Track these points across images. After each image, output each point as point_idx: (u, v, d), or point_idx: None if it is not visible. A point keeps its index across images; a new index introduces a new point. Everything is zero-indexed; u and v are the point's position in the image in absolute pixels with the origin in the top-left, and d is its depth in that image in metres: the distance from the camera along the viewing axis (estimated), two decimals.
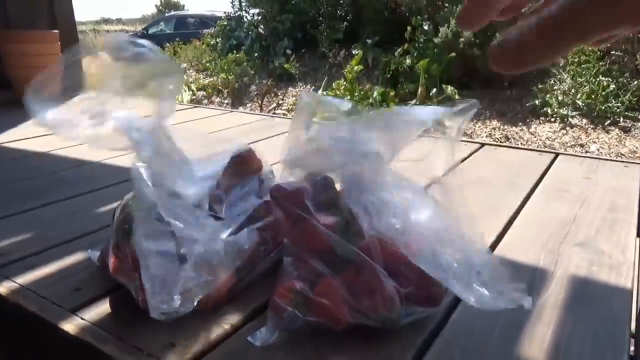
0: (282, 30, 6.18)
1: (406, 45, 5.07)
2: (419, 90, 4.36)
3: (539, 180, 0.99)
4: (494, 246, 0.70)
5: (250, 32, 6.31)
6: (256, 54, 6.06)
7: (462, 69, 4.64)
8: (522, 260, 0.66)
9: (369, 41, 5.49)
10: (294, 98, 5.13)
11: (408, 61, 5.11)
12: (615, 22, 0.21)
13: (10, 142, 1.30)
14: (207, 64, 6.19)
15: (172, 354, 0.48)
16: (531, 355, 0.48)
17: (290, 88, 5.31)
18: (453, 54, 4.40)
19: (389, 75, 5.11)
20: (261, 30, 6.33)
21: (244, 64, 5.82)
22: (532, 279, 0.62)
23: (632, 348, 0.51)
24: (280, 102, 4.95)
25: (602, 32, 0.22)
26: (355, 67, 4.69)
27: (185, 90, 5.59)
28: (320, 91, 4.85)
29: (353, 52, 5.35)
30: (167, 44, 6.88)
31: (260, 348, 0.49)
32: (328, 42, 5.75)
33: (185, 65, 6.46)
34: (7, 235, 0.74)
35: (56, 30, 1.82)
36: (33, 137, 1.34)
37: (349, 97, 4.49)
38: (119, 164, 1.11)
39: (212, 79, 5.95)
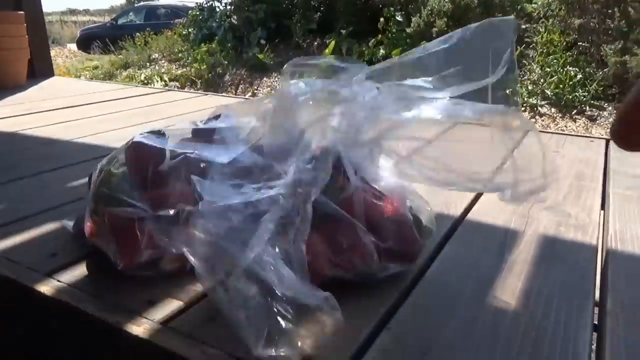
0: (256, 20, 6.11)
1: (380, 35, 5.10)
2: None
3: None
4: (468, 210, 0.72)
5: (223, 22, 6.22)
6: (229, 44, 5.99)
7: None
8: (494, 222, 0.68)
9: (343, 32, 5.49)
10: (268, 88, 5.10)
11: (382, 51, 5.14)
12: None
13: None
14: (180, 55, 6.09)
15: (152, 310, 0.48)
16: (504, 301, 0.50)
17: (264, 78, 5.28)
18: (424, 42, 4.45)
19: None
20: (234, 21, 6.25)
21: (217, 54, 5.75)
22: (504, 238, 0.64)
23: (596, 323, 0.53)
24: (255, 91, 4.92)
25: None
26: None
27: (157, 81, 5.49)
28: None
29: (327, 42, 5.36)
30: (138, 34, 6.72)
31: None
32: (302, 32, 5.73)
33: (156, 55, 6.33)
34: None
35: (22, 12, 1.76)
36: (2, 118, 1.31)
37: None
38: (86, 142, 1.09)
39: (184, 69, 5.85)
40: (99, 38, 8.24)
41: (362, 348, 0.43)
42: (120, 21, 9.63)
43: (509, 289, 0.52)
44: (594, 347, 0.45)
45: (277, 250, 0.42)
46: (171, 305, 0.49)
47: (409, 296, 0.50)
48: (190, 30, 6.43)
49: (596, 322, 0.49)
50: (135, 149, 0.56)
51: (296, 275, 0.41)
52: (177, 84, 5.50)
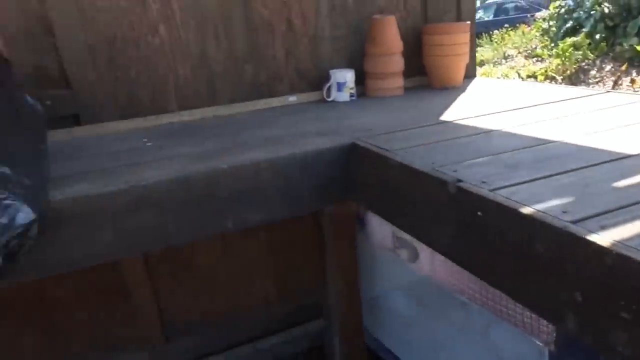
0: (636, 6, 5.34)
1: None
2: None
3: None
4: None
5: (593, 12, 5.68)
6: (599, 36, 5.43)
7: None
8: None
9: None
10: None
11: None
12: None
13: (462, 119, 1.51)
14: (538, 50, 5.90)
15: None
16: None
17: None
18: None
19: None
20: (607, 9, 5.62)
21: (584, 47, 5.30)
22: None
23: None
24: (636, 90, 4.32)
25: None
26: None
27: (513, 78, 5.48)
28: None
29: None
30: (496, 31, 6.84)
31: None
32: None
33: (512, 52, 6.31)
34: None
35: (468, 22, 2.01)
36: (477, 117, 1.51)
37: None
38: (575, 144, 1.15)
39: (542, 65, 5.65)
40: None
41: None
42: None
43: None
44: None
45: None
46: None
47: None
48: (551, 23, 6.13)
49: None
50: None
51: None
52: (533, 80, 5.35)
